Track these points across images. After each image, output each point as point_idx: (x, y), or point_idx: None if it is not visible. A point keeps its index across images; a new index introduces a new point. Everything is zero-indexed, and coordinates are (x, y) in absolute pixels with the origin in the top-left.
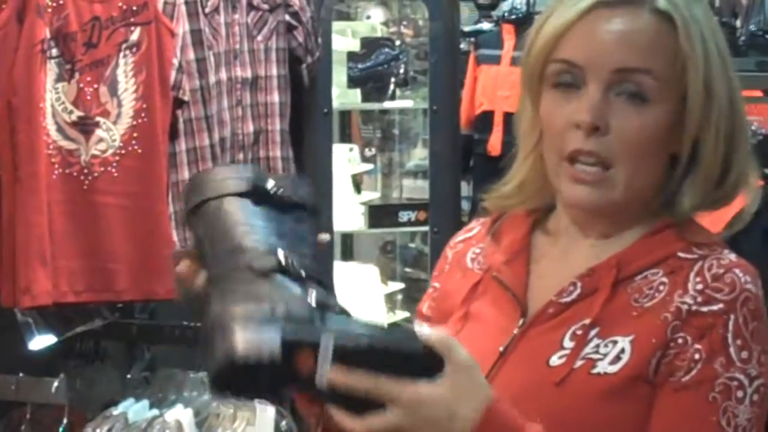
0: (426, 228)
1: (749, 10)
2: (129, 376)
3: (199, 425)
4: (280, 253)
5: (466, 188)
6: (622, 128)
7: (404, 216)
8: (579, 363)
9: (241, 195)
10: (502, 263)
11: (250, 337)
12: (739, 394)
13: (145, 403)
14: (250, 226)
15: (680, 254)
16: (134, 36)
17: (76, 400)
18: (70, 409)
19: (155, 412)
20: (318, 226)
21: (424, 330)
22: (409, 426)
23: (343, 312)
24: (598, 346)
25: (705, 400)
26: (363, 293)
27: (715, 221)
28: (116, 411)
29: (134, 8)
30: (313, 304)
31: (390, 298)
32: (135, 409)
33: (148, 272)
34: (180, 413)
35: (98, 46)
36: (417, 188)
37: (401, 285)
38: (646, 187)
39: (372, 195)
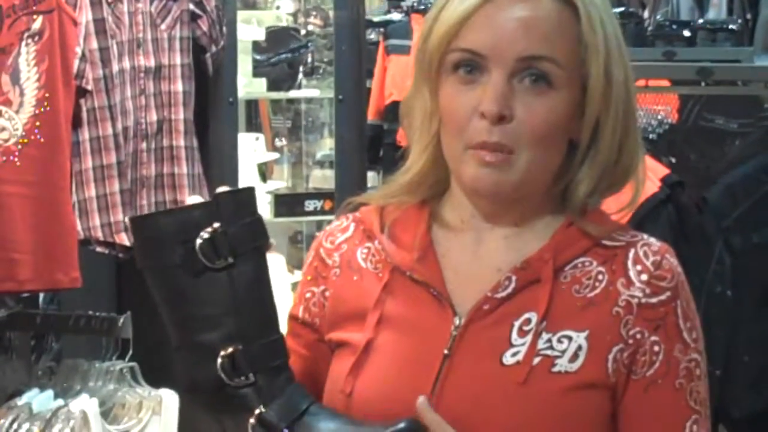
0: (332, 217)
1: (656, 0)
2: (36, 366)
3: (104, 415)
4: (220, 364)
5: (376, 178)
6: (527, 115)
7: (310, 205)
8: (536, 360)
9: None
10: (414, 261)
11: None
12: (697, 372)
13: (50, 393)
14: (193, 319)
15: (606, 242)
16: (36, 24)
17: None
18: None
19: (60, 402)
20: (263, 258)
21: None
22: None
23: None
24: (550, 341)
25: (673, 388)
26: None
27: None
28: (20, 401)
29: None
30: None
31: (296, 286)
32: (40, 399)
33: (52, 261)
34: (85, 403)
35: (0, 34)
36: (325, 178)
37: None
38: (546, 173)
39: (279, 184)
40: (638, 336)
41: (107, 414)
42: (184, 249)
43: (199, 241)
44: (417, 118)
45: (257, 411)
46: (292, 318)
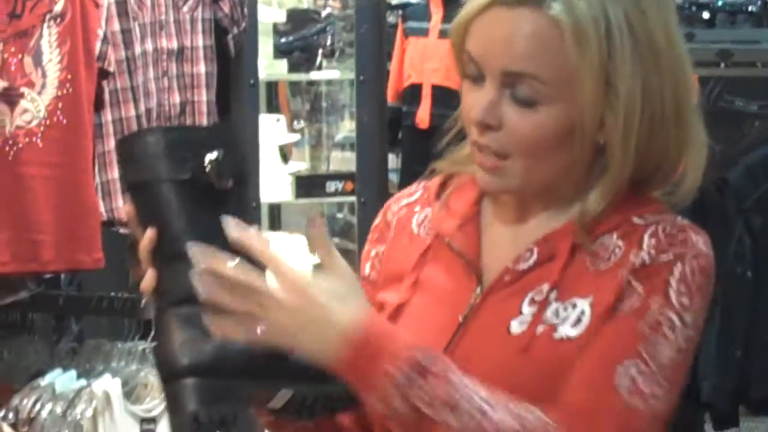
0: (353, 198)
1: None
2: (58, 347)
3: (127, 395)
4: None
5: (395, 161)
6: (513, 128)
7: (331, 186)
8: (540, 328)
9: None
10: (455, 230)
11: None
12: (668, 332)
13: (73, 373)
14: (192, 233)
15: (635, 220)
16: (58, 6)
17: (3, 371)
18: None
19: (83, 382)
20: (246, 192)
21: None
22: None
23: None
24: (557, 309)
25: (632, 327)
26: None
27: None
28: (44, 382)
29: None
30: None
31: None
32: (62, 379)
33: (75, 242)
34: (108, 383)
35: (22, 16)
36: (345, 160)
37: None
38: (559, 173)
39: (300, 166)
40: (628, 286)
41: (130, 394)
42: (195, 163)
43: (207, 159)
44: None
45: None
46: (362, 276)
